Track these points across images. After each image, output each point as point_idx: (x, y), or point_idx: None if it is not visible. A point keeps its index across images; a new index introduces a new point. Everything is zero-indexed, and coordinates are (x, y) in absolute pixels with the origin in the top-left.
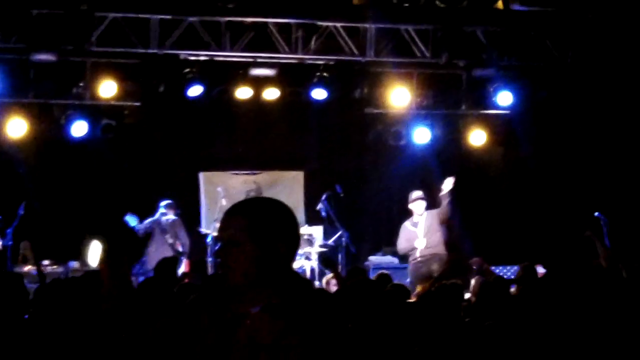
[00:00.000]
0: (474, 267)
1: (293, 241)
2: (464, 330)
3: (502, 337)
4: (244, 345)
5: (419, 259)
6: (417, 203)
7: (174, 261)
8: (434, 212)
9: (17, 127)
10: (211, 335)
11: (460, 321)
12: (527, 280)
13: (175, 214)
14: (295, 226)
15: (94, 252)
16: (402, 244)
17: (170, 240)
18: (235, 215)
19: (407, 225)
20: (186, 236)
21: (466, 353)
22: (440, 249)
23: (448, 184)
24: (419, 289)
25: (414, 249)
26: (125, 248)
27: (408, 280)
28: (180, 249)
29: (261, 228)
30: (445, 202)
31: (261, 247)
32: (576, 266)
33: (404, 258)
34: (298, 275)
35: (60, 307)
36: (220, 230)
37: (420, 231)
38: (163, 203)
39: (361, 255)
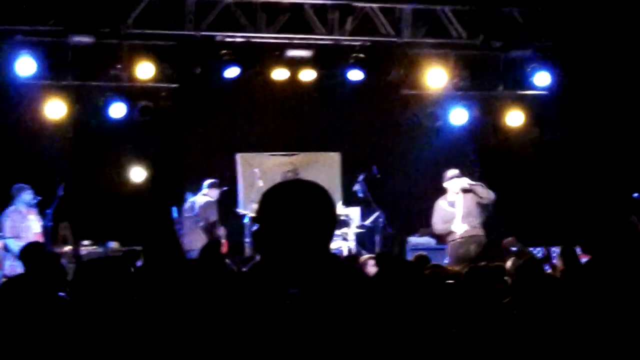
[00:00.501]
0: (510, 248)
1: (329, 224)
2: (503, 312)
3: (544, 319)
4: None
5: (458, 240)
6: (453, 182)
7: (217, 245)
8: (472, 194)
9: (56, 109)
10: (253, 317)
11: (499, 303)
12: (569, 263)
13: (220, 193)
14: (331, 208)
15: None
16: (438, 225)
17: (202, 223)
18: (270, 200)
19: (442, 204)
20: (215, 219)
21: (506, 334)
22: (479, 230)
23: (460, 183)
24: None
25: (451, 231)
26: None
27: (446, 261)
28: (219, 232)
29: (295, 212)
30: (479, 187)
31: (297, 231)
32: (623, 252)
33: (441, 239)
34: (336, 257)
35: (98, 287)
36: (256, 215)
37: (459, 212)
38: (206, 182)
39: (398, 237)
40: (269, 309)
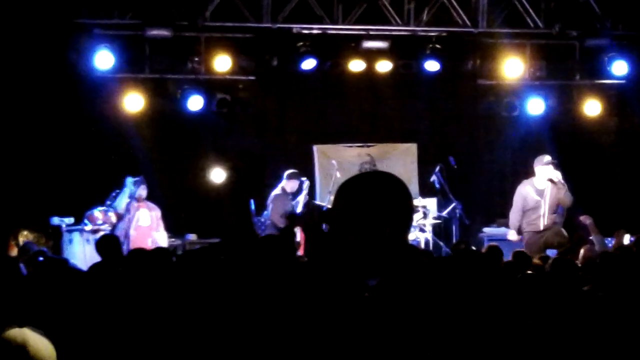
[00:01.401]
0: (584, 224)
1: (406, 215)
2: (582, 304)
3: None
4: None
5: (540, 228)
6: (546, 168)
7: (289, 236)
8: (557, 188)
9: (134, 102)
10: (331, 309)
11: (578, 295)
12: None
13: (300, 184)
14: (408, 199)
15: None
16: (516, 214)
17: (269, 217)
18: (347, 192)
19: (530, 190)
20: (277, 213)
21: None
22: (560, 221)
23: (552, 174)
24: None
25: (534, 222)
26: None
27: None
28: (279, 224)
29: (372, 203)
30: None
31: (374, 222)
32: None
33: (518, 230)
34: (415, 249)
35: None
36: (333, 207)
37: (546, 202)
38: (286, 173)
39: (474, 227)
40: (347, 301)
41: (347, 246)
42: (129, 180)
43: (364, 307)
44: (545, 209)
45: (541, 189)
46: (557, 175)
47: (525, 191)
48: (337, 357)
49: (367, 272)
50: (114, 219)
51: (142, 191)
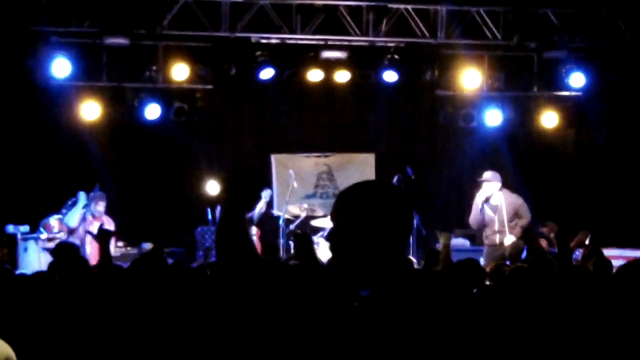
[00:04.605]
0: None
1: (406, 226)
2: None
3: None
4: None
5: (496, 242)
6: (489, 185)
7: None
8: (512, 200)
9: (91, 110)
10: (319, 316)
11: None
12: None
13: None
14: (407, 210)
15: None
16: (477, 223)
17: None
18: (345, 201)
19: (484, 205)
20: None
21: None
22: (517, 233)
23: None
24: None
25: (491, 237)
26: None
27: (482, 262)
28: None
29: (376, 213)
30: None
31: (370, 233)
32: None
33: (475, 240)
34: (410, 262)
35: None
36: (331, 215)
37: (501, 216)
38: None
39: (432, 237)
40: (336, 310)
41: (343, 255)
42: (82, 195)
43: (352, 316)
44: (497, 224)
45: (495, 204)
46: (501, 197)
47: (479, 206)
48: None
49: (361, 282)
50: (69, 223)
51: (100, 207)
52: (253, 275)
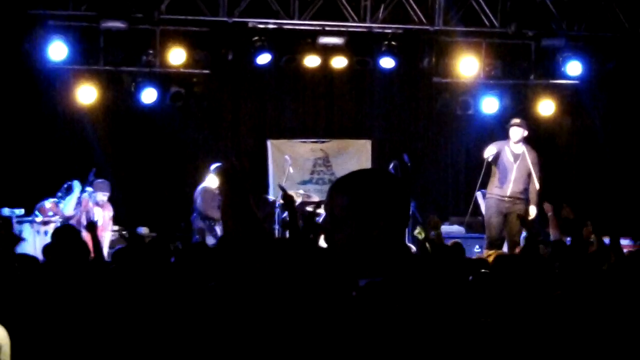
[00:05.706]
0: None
1: (401, 213)
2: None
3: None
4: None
5: (506, 198)
6: (513, 130)
7: None
8: (534, 155)
9: (87, 94)
10: (316, 305)
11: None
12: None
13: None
14: (403, 200)
15: None
16: (492, 156)
17: (195, 214)
18: (339, 192)
19: (506, 148)
20: (208, 205)
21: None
22: (534, 200)
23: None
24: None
25: (508, 182)
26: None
27: (477, 249)
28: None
29: (363, 205)
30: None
31: (363, 223)
32: None
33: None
34: (409, 249)
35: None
36: (325, 204)
37: (514, 171)
38: (212, 167)
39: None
40: (333, 299)
41: (341, 243)
42: (76, 183)
43: (350, 306)
44: (512, 178)
45: (517, 152)
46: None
47: (501, 149)
48: (316, 355)
49: (360, 271)
50: (65, 212)
51: (104, 197)
52: (259, 255)
